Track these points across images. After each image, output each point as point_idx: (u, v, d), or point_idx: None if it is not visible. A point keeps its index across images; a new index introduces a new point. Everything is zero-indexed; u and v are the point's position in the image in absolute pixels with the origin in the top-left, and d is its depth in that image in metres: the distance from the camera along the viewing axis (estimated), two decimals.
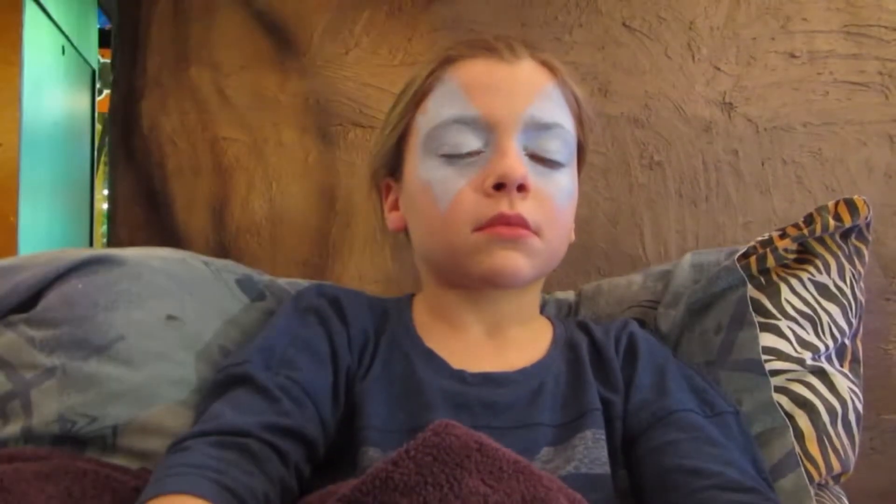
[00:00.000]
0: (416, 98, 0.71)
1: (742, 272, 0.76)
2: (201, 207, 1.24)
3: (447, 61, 0.70)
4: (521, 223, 0.65)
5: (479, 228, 0.65)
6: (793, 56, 1.12)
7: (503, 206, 0.65)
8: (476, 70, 0.69)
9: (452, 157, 0.67)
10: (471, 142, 0.67)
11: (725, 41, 1.14)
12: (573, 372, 0.70)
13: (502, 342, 0.72)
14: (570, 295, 0.94)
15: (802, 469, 0.67)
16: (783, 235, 0.80)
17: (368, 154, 1.21)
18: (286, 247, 1.23)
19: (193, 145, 1.24)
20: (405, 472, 0.47)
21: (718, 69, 1.14)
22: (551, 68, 0.72)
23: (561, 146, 0.69)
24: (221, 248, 1.23)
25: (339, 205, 1.22)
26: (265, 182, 1.24)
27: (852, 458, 0.72)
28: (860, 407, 0.74)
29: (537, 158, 0.68)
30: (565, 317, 0.89)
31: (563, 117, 0.70)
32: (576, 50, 1.16)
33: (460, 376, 0.67)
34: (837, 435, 0.71)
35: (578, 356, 0.71)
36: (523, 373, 0.68)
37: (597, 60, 1.16)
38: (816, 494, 0.68)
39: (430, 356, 0.69)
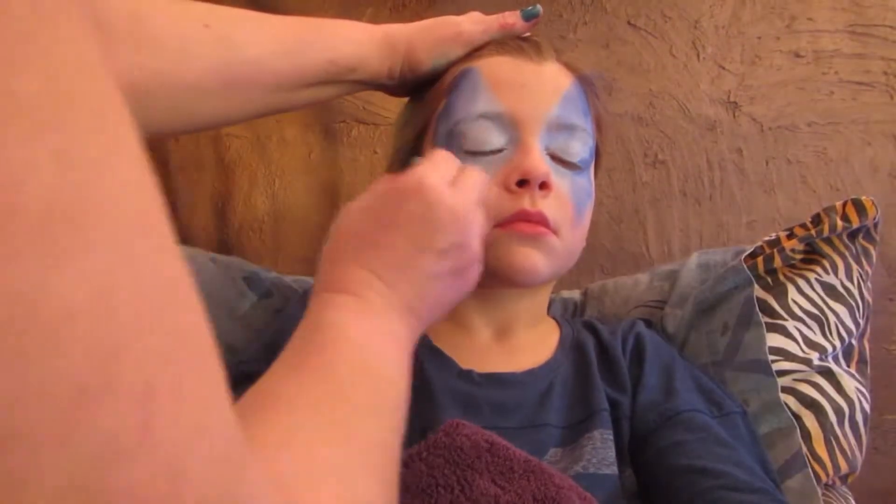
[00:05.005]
0: (437, 92, 0.71)
1: (749, 272, 0.76)
2: (204, 203, 1.24)
3: (471, 57, 0.70)
4: (541, 221, 0.65)
5: (499, 224, 0.65)
6: (798, 55, 1.12)
7: (525, 202, 0.64)
8: (503, 66, 0.68)
9: (476, 154, 0.66)
10: (495, 139, 0.66)
11: (730, 40, 1.13)
12: (580, 373, 0.69)
13: (510, 343, 0.71)
14: (575, 294, 0.93)
15: (810, 469, 0.67)
16: (790, 235, 0.80)
17: (371, 151, 1.22)
18: (288, 243, 1.23)
19: (196, 141, 1.24)
20: (417, 474, 0.47)
21: (723, 68, 1.14)
22: (575, 71, 0.72)
23: (581, 148, 0.69)
24: (223, 245, 1.23)
25: (342, 202, 1.21)
26: (268, 178, 1.24)
27: (859, 459, 0.72)
28: (867, 407, 0.74)
29: (558, 159, 0.68)
30: (571, 316, 0.89)
31: (584, 120, 0.70)
32: (580, 48, 1.16)
33: (468, 376, 0.67)
34: (844, 435, 0.71)
35: (585, 357, 0.71)
36: (531, 374, 0.68)
37: (601, 58, 1.16)
38: (823, 495, 0.68)
39: (439, 355, 0.68)
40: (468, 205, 0.52)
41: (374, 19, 1.17)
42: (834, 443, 0.71)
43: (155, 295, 0.20)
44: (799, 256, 0.81)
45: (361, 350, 0.43)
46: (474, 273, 0.54)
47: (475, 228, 0.52)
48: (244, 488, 0.24)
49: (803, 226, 0.80)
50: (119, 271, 0.18)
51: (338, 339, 0.43)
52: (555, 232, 0.66)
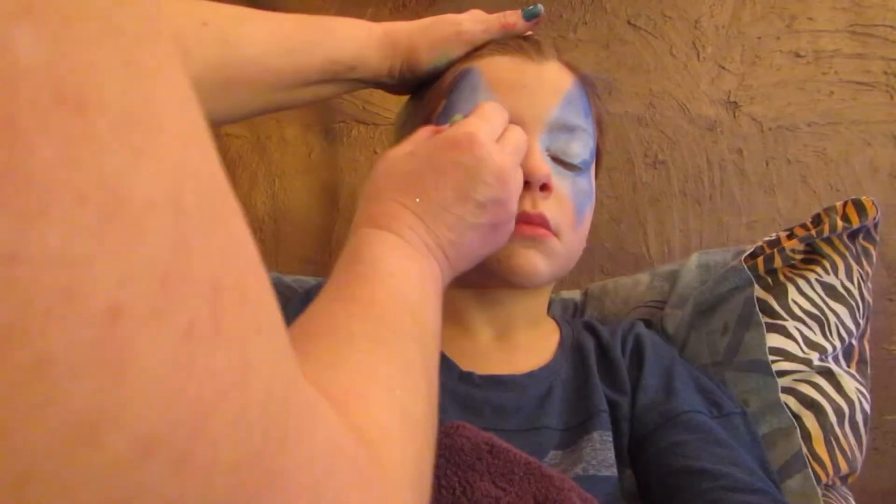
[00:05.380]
0: (438, 92, 0.70)
1: (749, 272, 0.76)
2: None
3: (471, 57, 0.70)
4: (542, 223, 0.65)
5: None
6: (798, 55, 1.12)
7: (525, 204, 0.64)
8: (503, 67, 0.68)
9: None
10: None
11: (730, 40, 1.13)
12: (580, 375, 0.69)
13: (510, 345, 0.71)
14: (575, 294, 0.94)
15: (810, 470, 0.67)
16: (790, 236, 0.80)
17: (371, 151, 1.21)
18: (288, 244, 1.23)
19: None
20: None
21: (723, 68, 1.14)
22: (576, 71, 0.72)
23: (582, 149, 0.69)
24: None
25: (342, 202, 1.22)
26: (268, 178, 1.24)
27: (860, 459, 0.72)
28: (868, 407, 0.74)
29: (558, 160, 0.68)
30: (571, 316, 0.89)
31: (585, 121, 0.70)
32: (580, 48, 1.16)
33: (469, 378, 0.67)
34: (845, 435, 0.71)
35: (585, 359, 0.71)
36: (531, 376, 0.68)
37: (601, 58, 1.16)
38: (824, 495, 0.68)
39: (440, 357, 0.68)
40: (512, 164, 0.54)
41: (375, 18, 1.16)
42: (834, 443, 0.71)
43: (215, 199, 0.21)
44: (799, 257, 0.81)
45: (401, 284, 0.45)
46: (508, 230, 0.56)
47: (515, 188, 0.54)
48: (300, 388, 0.26)
49: (803, 226, 0.80)
50: (184, 172, 0.20)
51: (378, 273, 0.45)
52: (555, 234, 0.66)
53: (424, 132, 0.55)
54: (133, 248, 0.17)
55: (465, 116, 0.57)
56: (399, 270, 0.46)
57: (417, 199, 0.50)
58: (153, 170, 0.18)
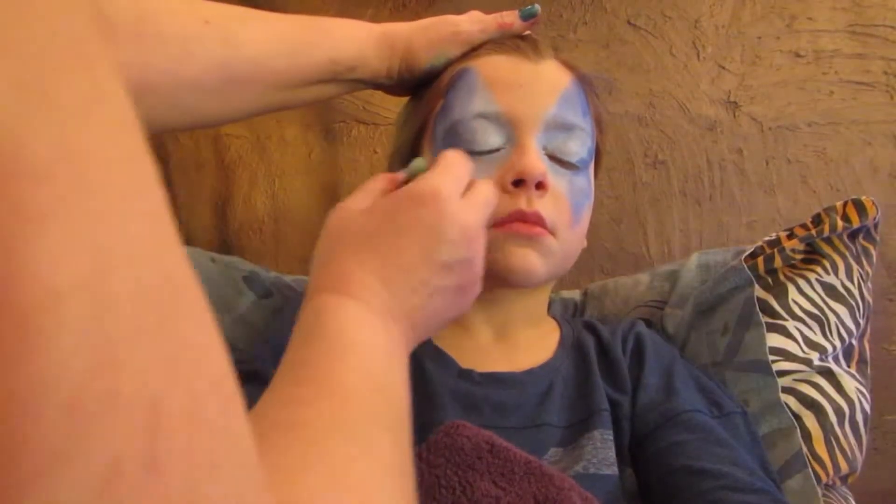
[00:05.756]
0: (435, 92, 0.70)
1: (749, 272, 0.76)
2: (204, 203, 1.24)
3: (468, 56, 0.70)
4: (538, 221, 0.65)
5: (496, 225, 0.64)
6: (798, 55, 1.12)
7: (521, 203, 0.64)
8: (500, 65, 0.68)
9: (473, 154, 0.65)
10: (492, 138, 0.66)
11: (730, 40, 1.13)
12: (581, 373, 0.69)
13: (510, 343, 0.71)
14: (576, 294, 0.94)
15: (810, 470, 0.67)
16: (791, 236, 0.80)
17: (371, 151, 1.21)
18: (288, 243, 1.23)
19: (196, 141, 1.24)
20: (418, 475, 0.47)
21: (723, 68, 1.13)
22: (574, 70, 0.71)
23: (580, 148, 0.68)
24: (223, 245, 1.23)
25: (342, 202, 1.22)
26: (268, 178, 1.23)
27: (860, 459, 0.72)
28: (868, 407, 0.74)
29: (556, 159, 0.67)
30: (571, 316, 0.89)
31: (583, 119, 0.69)
32: (580, 48, 1.16)
33: (468, 376, 0.67)
34: (845, 435, 0.71)
35: (586, 357, 0.71)
36: (531, 374, 0.68)
37: (601, 58, 1.16)
38: (824, 495, 0.68)
39: (439, 354, 0.68)
40: (478, 221, 0.50)
41: (375, 20, 1.16)
42: (834, 443, 0.71)
43: (164, 290, 0.16)
44: (799, 256, 0.81)
45: (368, 359, 0.41)
46: (475, 292, 0.52)
47: (481, 247, 0.51)
48: None
49: (804, 226, 0.80)
50: (113, 251, 0.15)
51: (342, 348, 0.41)
52: (552, 232, 0.66)
53: (379, 183, 0.51)
54: (21, 364, 0.13)
55: (427, 163, 0.53)
56: (364, 343, 0.42)
57: (379, 262, 0.45)
58: (61, 246, 0.13)
